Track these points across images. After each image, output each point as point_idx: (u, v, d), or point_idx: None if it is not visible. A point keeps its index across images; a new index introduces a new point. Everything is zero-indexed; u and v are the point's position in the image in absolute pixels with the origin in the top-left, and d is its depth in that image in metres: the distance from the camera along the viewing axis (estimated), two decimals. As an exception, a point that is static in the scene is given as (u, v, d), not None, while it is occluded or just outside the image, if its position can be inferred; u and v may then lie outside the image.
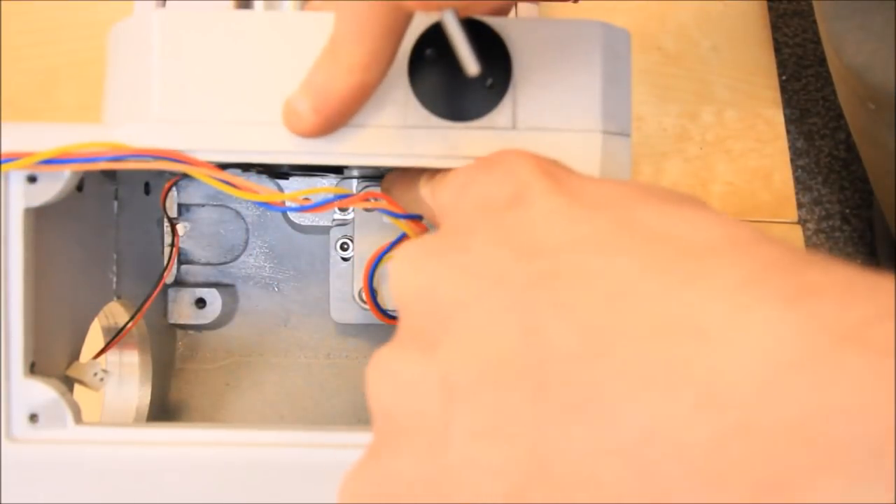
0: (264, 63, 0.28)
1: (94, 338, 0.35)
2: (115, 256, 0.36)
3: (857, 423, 0.13)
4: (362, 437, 0.28)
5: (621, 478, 0.15)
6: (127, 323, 0.36)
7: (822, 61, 0.55)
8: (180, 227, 0.42)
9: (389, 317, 0.38)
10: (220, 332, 0.43)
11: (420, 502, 0.19)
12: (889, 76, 0.41)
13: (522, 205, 0.21)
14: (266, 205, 0.37)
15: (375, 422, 0.21)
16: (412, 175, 0.29)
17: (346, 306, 0.40)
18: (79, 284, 0.33)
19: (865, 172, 0.52)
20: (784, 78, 0.56)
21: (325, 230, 0.41)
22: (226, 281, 0.43)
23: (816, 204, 0.55)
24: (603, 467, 0.16)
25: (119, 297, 0.36)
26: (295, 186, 0.40)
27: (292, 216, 0.42)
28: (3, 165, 0.27)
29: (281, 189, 0.40)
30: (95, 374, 0.32)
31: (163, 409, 0.42)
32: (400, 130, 0.28)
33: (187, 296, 0.42)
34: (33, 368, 0.29)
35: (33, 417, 0.28)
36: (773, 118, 0.54)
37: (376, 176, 0.38)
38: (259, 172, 0.38)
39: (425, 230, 0.31)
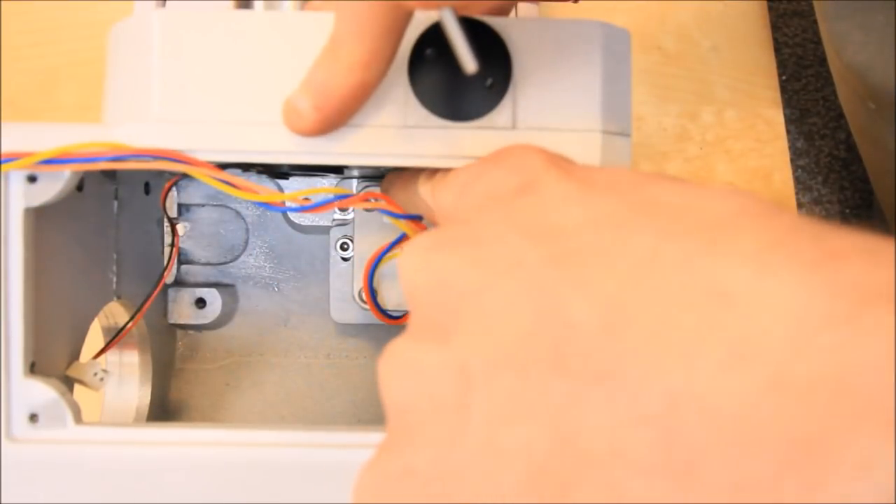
0: (264, 63, 0.28)
1: (94, 338, 0.35)
2: (115, 256, 0.36)
3: (892, 376, 0.13)
4: (362, 437, 0.28)
5: (649, 447, 0.15)
6: (127, 323, 0.36)
7: (822, 61, 0.55)
8: (180, 227, 0.42)
9: (389, 317, 0.38)
10: (220, 332, 0.43)
11: (442, 494, 0.18)
12: (889, 76, 0.41)
13: (533, 191, 0.21)
14: (266, 205, 0.37)
15: (389, 416, 0.20)
16: (411, 175, 0.29)
17: (346, 306, 0.40)
18: (79, 284, 0.33)
19: (865, 172, 0.52)
20: (784, 78, 0.56)
21: (325, 230, 0.41)
22: (226, 281, 0.43)
23: (816, 204, 0.55)
24: (629, 437, 0.15)
25: (119, 297, 0.36)
26: (295, 186, 0.40)
27: (292, 216, 0.42)
28: (3, 165, 0.27)
29: (281, 189, 0.40)
30: (95, 374, 0.32)
31: (163, 409, 0.42)
32: (400, 130, 0.28)
33: (187, 296, 0.42)
34: (33, 368, 0.29)
35: (33, 417, 0.28)
36: (773, 118, 0.54)
37: (376, 176, 0.38)
38: (259, 172, 0.38)
39: (425, 230, 0.31)
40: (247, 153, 0.28)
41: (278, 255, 0.43)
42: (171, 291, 0.42)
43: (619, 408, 0.16)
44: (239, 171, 0.34)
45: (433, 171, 0.28)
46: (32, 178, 0.28)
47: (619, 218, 0.18)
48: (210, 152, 0.28)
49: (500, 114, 0.28)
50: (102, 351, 0.35)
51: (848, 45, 0.43)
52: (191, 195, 0.42)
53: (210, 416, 0.43)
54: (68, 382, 0.32)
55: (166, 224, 0.41)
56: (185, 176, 0.33)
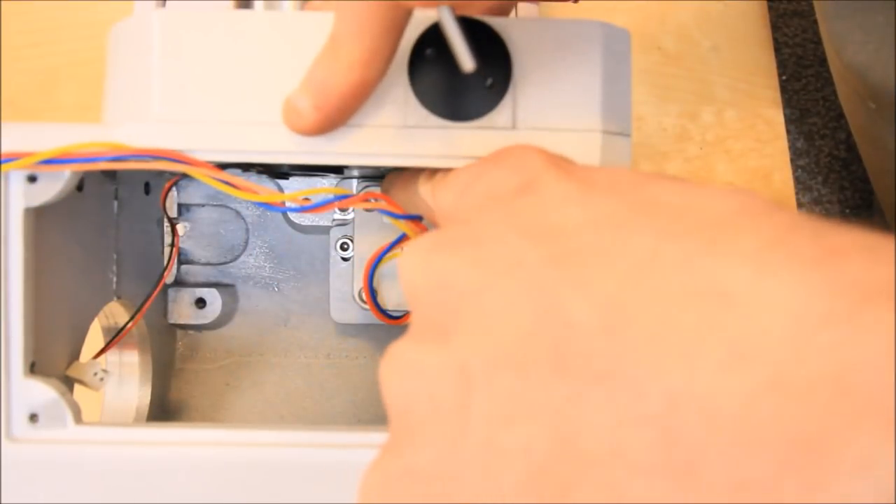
0: (264, 63, 0.28)
1: (94, 338, 0.35)
2: (115, 256, 0.36)
3: (892, 374, 0.13)
4: (362, 437, 0.28)
5: (649, 447, 0.15)
6: (127, 323, 0.36)
7: (822, 61, 0.55)
8: (180, 227, 0.42)
9: (389, 317, 0.38)
10: (220, 332, 0.43)
11: (443, 494, 0.18)
12: (890, 76, 0.41)
13: (533, 192, 0.21)
14: (266, 205, 0.37)
15: (391, 417, 0.20)
16: (411, 175, 0.29)
17: (346, 306, 0.40)
18: (79, 284, 0.33)
19: (865, 172, 0.52)
20: (784, 78, 0.56)
21: (325, 230, 0.41)
22: (226, 281, 0.43)
23: (816, 204, 0.55)
24: (629, 437, 0.15)
25: (119, 297, 0.36)
26: (295, 186, 0.40)
27: (292, 216, 0.42)
28: (3, 165, 0.27)
29: (281, 189, 0.40)
30: (95, 374, 0.32)
31: (163, 409, 0.42)
32: (400, 130, 0.28)
33: (187, 296, 0.42)
34: (33, 368, 0.29)
35: (33, 417, 0.28)
36: (773, 118, 0.54)
37: (376, 176, 0.38)
38: (259, 172, 0.38)
39: (425, 231, 0.31)
40: (247, 153, 0.28)
41: (278, 255, 0.43)
42: (171, 291, 0.42)
43: (620, 408, 0.16)
44: (239, 171, 0.34)
45: (433, 172, 0.28)
46: (32, 178, 0.28)
47: (618, 218, 0.18)
48: (210, 152, 0.28)
49: (500, 114, 0.28)
50: (102, 351, 0.35)
51: (848, 45, 0.43)
52: (191, 195, 0.42)
53: (210, 416, 0.43)
54: (68, 382, 0.32)
55: (166, 224, 0.41)
56: (185, 176, 0.33)
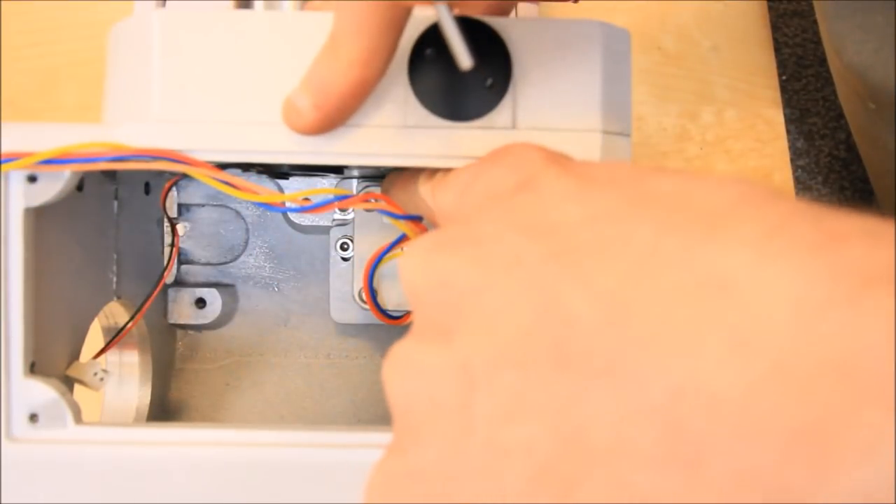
0: (264, 63, 0.28)
1: (94, 338, 0.35)
2: (115, 256, 0.36)
3: (892, 359, 0.13)
4: (362, 437, 0.28)
5: (653, 440, 0.15)
6: (127, 323, 0.36)
7: (822, 61, 0.55)
8: (180, 227, 0.42)
9: (389, 317, 0.38)
10: (220, 332, 0.43)
11: (447, 494, 0.18)
12: (890, 76, 0.41)
13: (532, 189, 0.21)
14: (266, 205, 0.37)
15: (395, 417, 0.20)
16: (411, 175, 0.29)
17: (346, 306, 0.40)
18: (79, 284, 0.33)
19: (865, 172, 0.52)
20: (784, 78, 0.56)
21: (325, 230, 0.41)
22: (226, 281, 0.43)
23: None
24: (634, 430, 0.15)
25: (119, 297, 0.36)
26: (295, 186, 0.40)
27: (292, 216, 0.42)
28: (3, 165, 0.27)
29: (281, 189, 0.40)
30: (95, 374, 0.32)
31: (163, 409, 0.42)
32: (400, 130, 0.28)
33: (187, 296, 0.42)
34: (33, 368, 0.29)
35: (33, 417, 0.28)
36: (773, 118, 0.54)
37: (376, 176, 0.38)
38: (259, 172, 0.38)
39: (425, 231, 0.31)
40: (247, 153, 0.28)
41: (278, 255, 0.43)
42: (171, 291, 0.42)
43: (623, 402, 0.16)
44: (239, 171, 0.34)
45: (433, 172, 0.28)
46: (32, 178, 0.28)
47: (618, 212, 0.18)
48: (210, 152, 0.28)
49: (500, 114, 0.28)
50: (102, 351, 0.35)
51: (848, 45, 0.43)
52: (191, 195, 0.42)
53: (210, 416, 0.43)
54: (68, 382, 0.32)
55: (166, 224, 0.41)
56: (185, 176, 0.33)
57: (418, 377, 0.19)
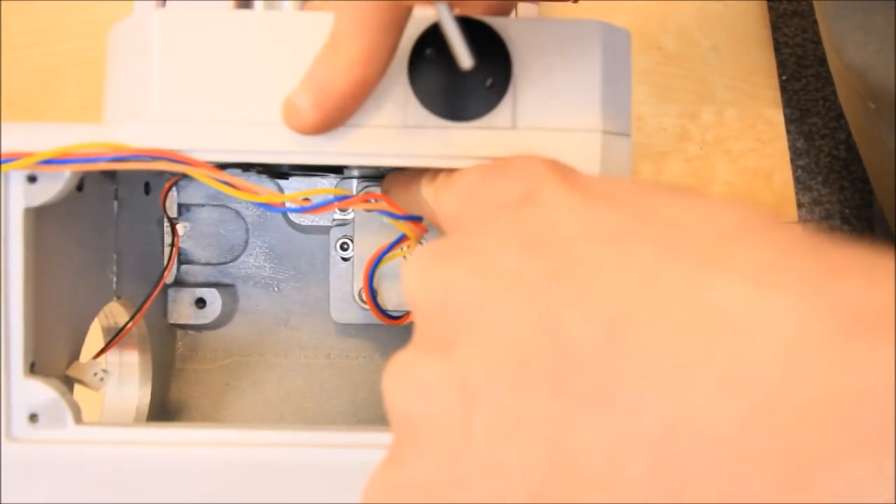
0: (264, 63, 0.28)
1: (94, 338, 0.35)
2: (115, 256, 0.36)
3: (887, 404, 0.13)
4: (362, 437, 0.28)
5: (645, 473, 0.15)
6: (127, 323, 0.36)
7: (822, 61, 0.55)
8: (180, 227, 0.42)
9: (389, 317, 0.38)
10: (220, 332, 0.43)
11: None
12: (890, 76, 0.41)
13: (535, 202, 0.21)
14: (266, 205, 0.37)
15: (394, 426, 0.21)
16: (412, 176, 0.29)
17: (346, 306, 0.40)
18: (79, 284, 0.33)
19: (865, 172, 0.52)
20: (784, 78, 0.56)
21: (325, 230, 0.41)
22: (226, 281, 0.43)
23: (816, 204, 0.55)
24: (625, 463, 0.15)
25: (119, 297, 0.36)
26: (295, 186, 0.40)
27: (292, 216, 0.42)
28: (3, 165, 0.27)
29: (281, 189, 0.40)
30: (95, 374, 0.32)
31: (163, 409, 0.42)
32: (400, 130, 0.28)
33: (187, 296, 0.42)
34: (33, 368, 0.29)
35: (33, 417, 0.28)
36: (773, 118, 0.54)
37: (376, 176, 0.38)
38: (259, 172, 0.38)
39: (425, 231, 0.31)
40: (247, 153, 0.28)
41: (278, 255, 0.43)
42: (171, 291, 0.42)
43: (615, 432, 0.16)
44: (239, 171, 0.34)
45: (436, 173, 0.27)
46: (32, 178, 0.28)
47: (619, 231, 0.18)
48: (210, 152, 0.28)
49: (500, 114, 0.28)
50: (102, 351, 0.35)
51: (848, 45, 0.43)
52: (191, 195, 0.42)
53: (210, 416, 0.43)
54: (68, 382, 0.32)
55: (166, 224, 0.41)
56: (185, 176, 0.33)
57: (418, 389, 0.20)
